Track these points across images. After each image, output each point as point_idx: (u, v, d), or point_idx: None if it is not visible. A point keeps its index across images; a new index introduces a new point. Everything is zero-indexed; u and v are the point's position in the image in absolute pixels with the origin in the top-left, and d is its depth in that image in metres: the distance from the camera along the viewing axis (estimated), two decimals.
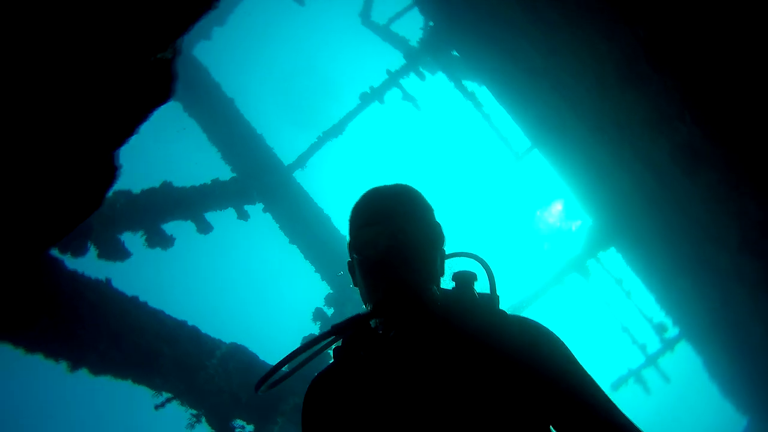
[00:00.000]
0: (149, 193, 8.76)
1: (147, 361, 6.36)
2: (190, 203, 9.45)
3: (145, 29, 1.87)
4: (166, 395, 6.68)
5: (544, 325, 1.55)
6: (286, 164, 11.25)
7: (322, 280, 10.61)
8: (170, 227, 8.96)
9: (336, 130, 11.31)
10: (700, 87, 4.92)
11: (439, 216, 1.68)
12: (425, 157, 58.45)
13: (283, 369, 1.56)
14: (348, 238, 1.63)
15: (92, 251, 7.48)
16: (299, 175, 11.33)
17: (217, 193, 10.08)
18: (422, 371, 1.46)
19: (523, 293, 11.43)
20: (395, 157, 59.21)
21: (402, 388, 1.45)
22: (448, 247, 1.71)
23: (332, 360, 1.64)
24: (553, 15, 6.41)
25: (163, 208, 8.89)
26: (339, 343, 1.60)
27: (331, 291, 10.29)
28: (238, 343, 7.62)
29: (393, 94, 11.33)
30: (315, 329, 9.39)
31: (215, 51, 15.23)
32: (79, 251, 6.82)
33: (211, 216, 9.89)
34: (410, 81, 11.31)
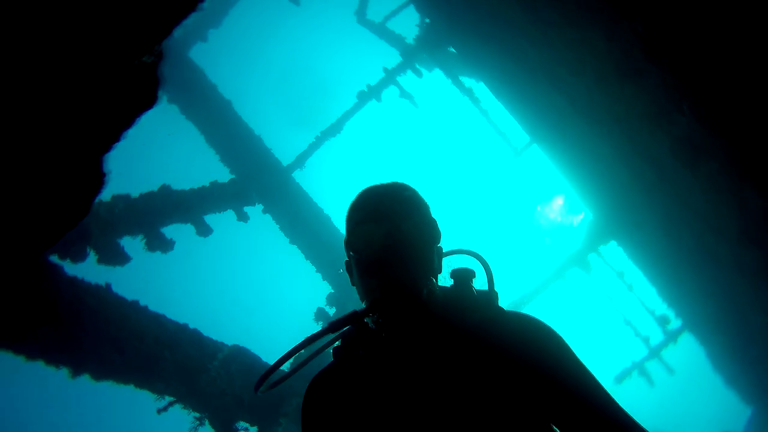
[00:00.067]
0: (148, 197, 8.74)
1: (148, 365, 6.35)
2: (189, 206, 9.44)
3: (124, 32, 1.85)
4: (168, 399, 6.67)
5: (543, 321, 1.55)
6: (284, 165, 11.24)
7: (324, 280, 10.61)
8: (170, 231, 8.95)
9: (334, 130, 11.28)
10: (698, 79, 4.91)
11: (439, 214, 1.67)
12: (424, 155, 58.46)
13: (284, 369, 1.57)
14: (345, 236, 1.64)
15: (92, 256, 7.47)
16: (298, 175, 11.33)
17: (216, 196, 10.06)
18: (421, 369, 1.46)
19: (524, 289, 11.42)
20: (394, 155, 59.22)
21: (401, 387, 1.45)
22: (448, 245, 1.71)
23: (332, 360, 1.65)
24: (552, 12, 6.39)
25: (162, 212, 8.87)
26: (339, 343, 1.61)
27: (333, 290, 10.29)
28: (241, 345, 7.62)
29: (390, 92, 11.32)
30: (317, 329, 9.38)
31: (211, 53, 15.22)
32: (78, 257, 6.81)
33: (210, 218, 9.88)
34: (407, 78, 11.30)
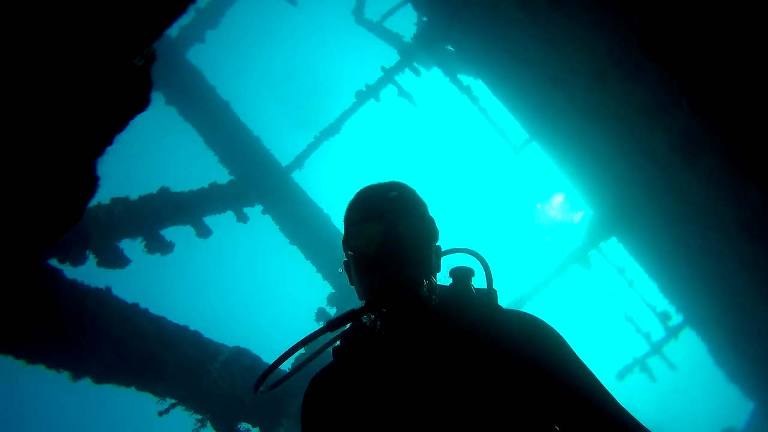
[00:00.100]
0: (147, 200, 8.73)
1: (149, 367, 6.34)
2: (189, 208, 9.42)
3: (111, 34, 1.83)
4: (170, 401, 6.66)
5: (542, 319, 1.54)
6: (283, 165, 11.23)
7: (324, 280, 10.61)
8: (169, 233, 8.94)
9: (333, 129, 11.27)
10: (696, 74, 4.90)
11: (439, 213, 1.67)
12: (423, 154, 58.45)
13: (284, 369, 1.57)
14: (343, 236, 1.64)
15: (92, 260, 7.45)
16: (297, 176, 11.32)
17: (216, 197, 10.05)
18: (420, 368, 1.45)
19: (525, 287, 11.41)
20: (393, 154, 59.22)
21: (400, 386, 1.45)
22: (448, 244, 1.71)
23: (332, 359, 1.65)
24: (549, 8, 6.38)
25: (162, 214, 8.86)
26: (339, 342, 1.61)
27: (333, 290, 10.29)
28: (242, 346, 7.61)
29: (389, 91, 11.31)
30: None
31: (209, 54, 15.20)
32: (77, 260, 6.79)
33: (210, 220, 9.87)
34: (405, 77, 11.28)
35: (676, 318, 12.85)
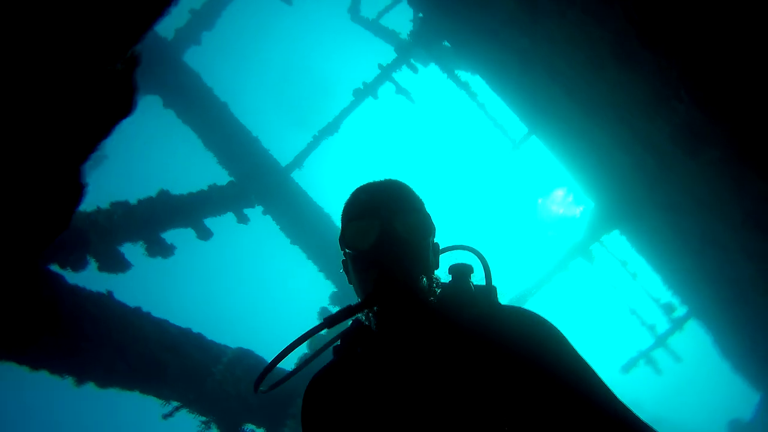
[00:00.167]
0: (147, 203, 8.71)
1: (153, 371, 6.33)
2: (189, 210, 9.41)
3: (87, 37, 1.80)
4: (174, 404, 6.65)
5: (541, 315, 1.53)
6: (283, 165, 11.21)
7: (327, 279, 10.61)
8: (170, 236, 8.92)
9: (331, 128, 11.24)
10: (693, 64, 4.86)
11: (439, 209, 1.66)
12: (422, 150, 58.42)
13: (287, 370, 1.57)
14: (340, 234, 1.63)
15: (93, 264, 7.44)
16: (297, 175, 11.30)
17: (215, 199, 10.03)
18: (418, 365, 1.45)
19: (528, 282, 11.38)
20: (392, 152, 59.21)
21: (399, 384, 1.44)
22: (448, 241, 1.70)
23: (332, 358, 1.65)
24: (545, 0, 6.34)
25: (162, 217, 8.85)
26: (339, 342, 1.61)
27: (336, 289, 10.28)
28: (246, 347, 7.59)
29: (386, 89, 11.27)
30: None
31: (206, 56, 15.17)
32: (78, 265, 6.78)
33: (210, 222, 9.86)
34: (403, 74, 11.24)
35: (681, 309, 12.82)
